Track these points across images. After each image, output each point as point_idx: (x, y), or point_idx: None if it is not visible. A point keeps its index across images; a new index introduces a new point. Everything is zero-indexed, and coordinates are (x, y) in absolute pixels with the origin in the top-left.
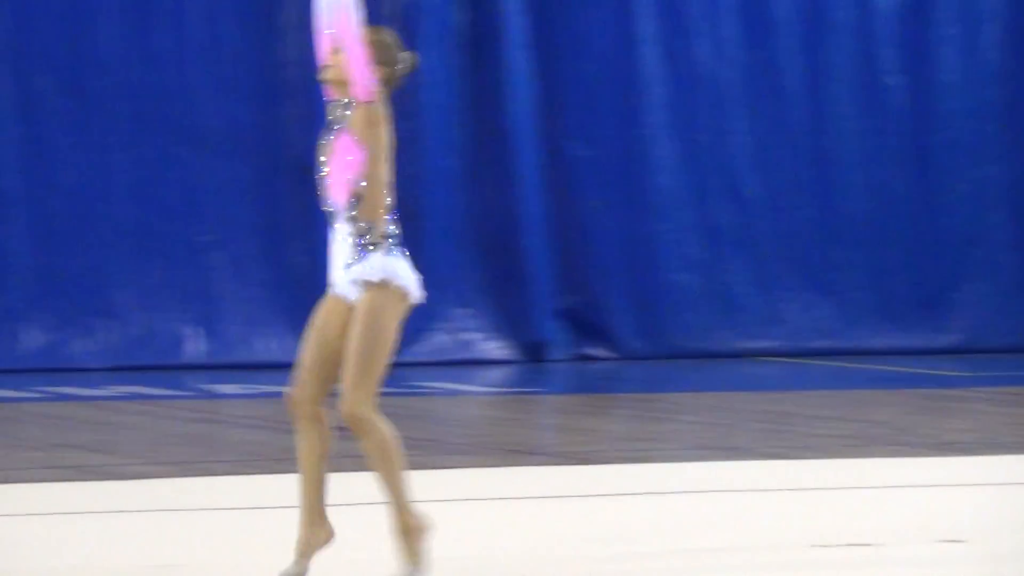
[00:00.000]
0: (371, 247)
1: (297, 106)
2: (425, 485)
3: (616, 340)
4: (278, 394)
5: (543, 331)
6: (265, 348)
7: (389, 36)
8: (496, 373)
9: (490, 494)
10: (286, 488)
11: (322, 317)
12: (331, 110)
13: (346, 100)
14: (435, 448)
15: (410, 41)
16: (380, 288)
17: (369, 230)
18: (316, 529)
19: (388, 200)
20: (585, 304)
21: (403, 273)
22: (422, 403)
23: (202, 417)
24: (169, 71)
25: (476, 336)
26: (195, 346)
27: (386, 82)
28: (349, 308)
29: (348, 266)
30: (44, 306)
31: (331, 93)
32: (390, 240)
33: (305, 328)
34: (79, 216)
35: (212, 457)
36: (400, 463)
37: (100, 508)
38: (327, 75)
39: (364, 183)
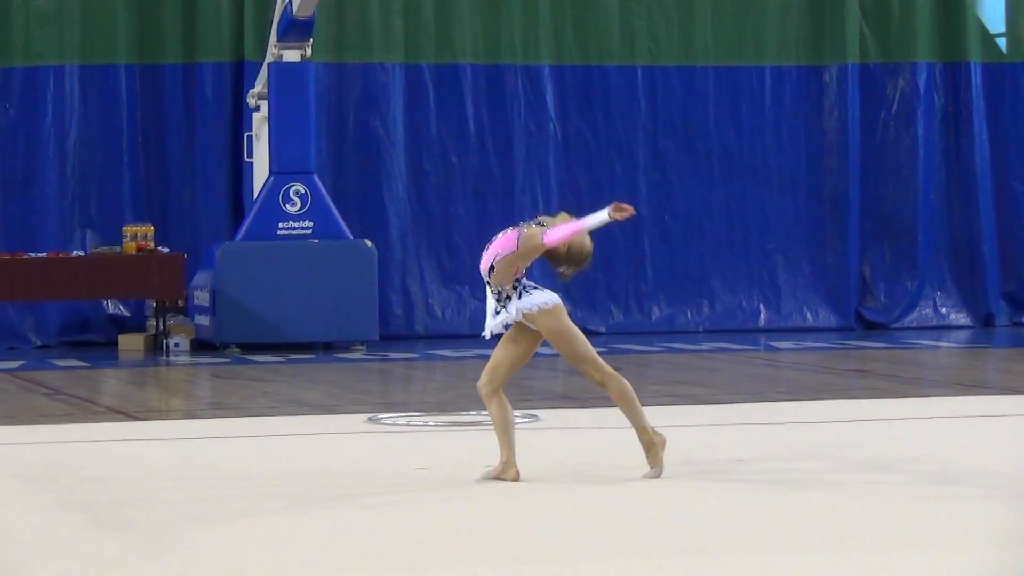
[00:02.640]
0: (507, 299)
1: (832, 159)
2: (913, 407)
3: None
4: (821, 348)
5: (992, 306)
6: (809, 318)
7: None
8: (961, 334)
9: (955, 414)
10: (826, 409)
11: (503, 345)
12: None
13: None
14: (920, 383)
15: (911, 116)
16: (536, 316)
17: (501, 290)
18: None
19: (512, 276)
20: (1020, 287)
21: (538, 300)
22: (912, 354)
23: (766, 363)
24: (750, 134)
25: (948, 310)
26: (763, 316)
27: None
28: (509, 333)
29: (497, 313)
30: (666, 290)
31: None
32: (517, 289)
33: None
34: (689, 230)
35: (771, 389)
36: (635, 398)
37: (698, 422)
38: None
39: (501, 262)
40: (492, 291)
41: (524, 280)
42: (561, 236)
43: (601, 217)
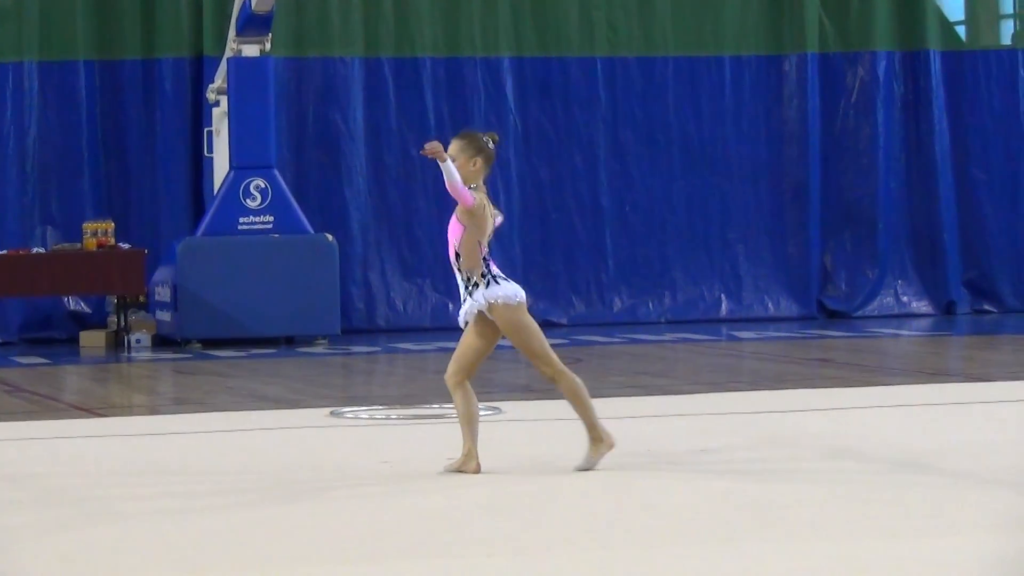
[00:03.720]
0: (475, 286)
1: (793, 149)
2: (875, 396)
3: (1002, 299)
4: (782, 337)
5: (953, 294)
6: (770, 307)
7: (473, 134)
8: (922, 322)
9: (917, 401)
10: (788, 398)
11: (468, 335)
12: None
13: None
14: (882, 372)
15: (871, 105)
16: (495, 307)
17: (471, 276)
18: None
19: (482, 255)
20: (981, 275)
21: (502, 293)
22: (874, 343)
23: (728, 353)
24: (710, 125)
25: (910, 298)
26: (725, 307)
27: (486, 159)
28: (474, 323)
29: (464, 301)
30: (628, 281)
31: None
32: (486, 278)
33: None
34: (650, 221)
35: (733, 379)
36: (587, 395)
37: (660, 413)
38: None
39: (462, 247)
40: (461, 279)
41: (494, 269)
42: (462, 192)
43: (447, 167)
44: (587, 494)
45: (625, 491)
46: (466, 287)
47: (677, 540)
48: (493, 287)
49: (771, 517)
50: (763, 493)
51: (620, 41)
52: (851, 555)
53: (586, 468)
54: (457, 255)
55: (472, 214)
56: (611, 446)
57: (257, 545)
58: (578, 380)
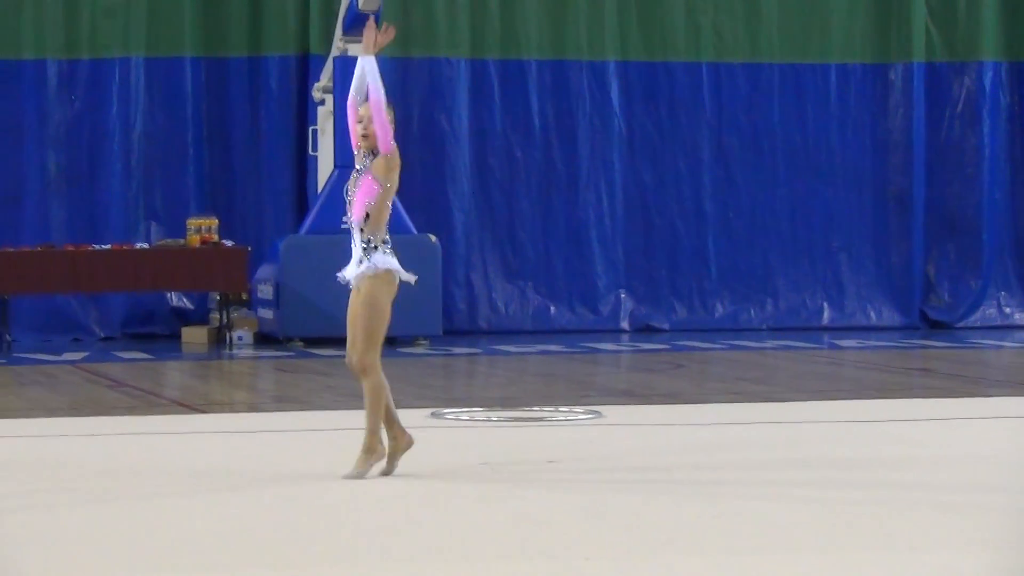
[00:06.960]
0: (375, 249)
1: (897, 158)
2: (977, 407)
3: None
4: (884, 347)
5: None
6: (872, 316)
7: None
8: None
9: (1019, 413)
10: (888, 408)
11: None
12: (358, 157)
13: (371, 151)
14: (984, 383)
15: (976, 115)
16: (378, 276)
17: (371, 239)
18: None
19: (387, 219)
20: None
21: (394, 266)
22: (976, 354)
23: (829, 361)
24: (815, 132)
25: (1013, 310)
26: (827, 315)
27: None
28: (358, 291)
29: (360, 262)
30: (730, 288)
31: (359, 145)
32: (385, 244)
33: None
34: (753, 228)
35: (834, 388)
36: (382, 403)
37: (759, 420)
38: (360, 133)
39: (374, 207)
40: (362, 240)
41: (390, 240)
42: (383, 127)
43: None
44: (686, 499)
45: (721, 497)
46: (364, 250)
47: (773, 548)
48: (389, 256)
49: (869, 527)
50: (861, 504)
51: (726, 47)
52: (945, 567)
53: (355, 477)
54: (366, 216)
55: (391, 168)
56: (383, 455)
57: (351, 543)
58: (382, 386)
